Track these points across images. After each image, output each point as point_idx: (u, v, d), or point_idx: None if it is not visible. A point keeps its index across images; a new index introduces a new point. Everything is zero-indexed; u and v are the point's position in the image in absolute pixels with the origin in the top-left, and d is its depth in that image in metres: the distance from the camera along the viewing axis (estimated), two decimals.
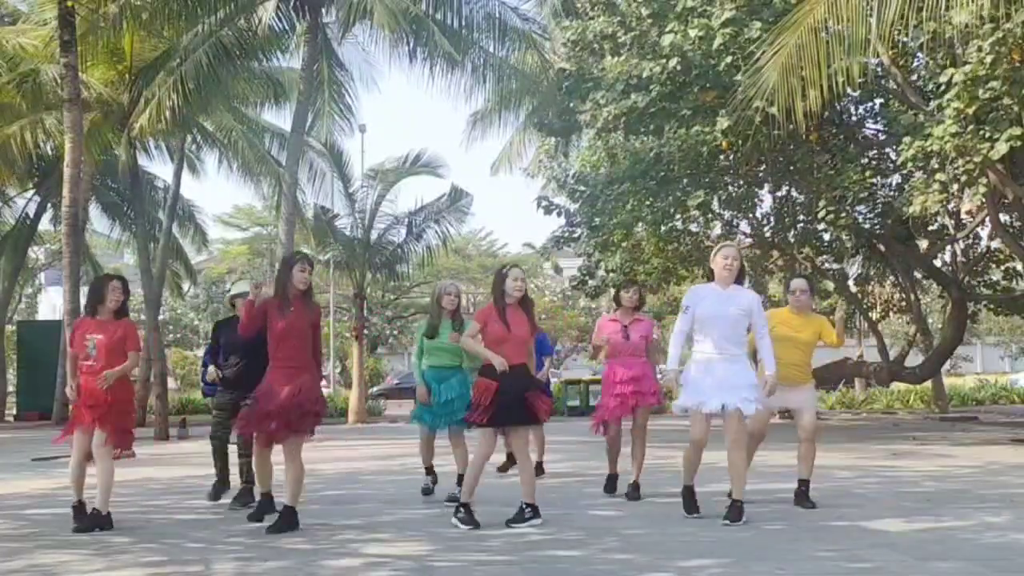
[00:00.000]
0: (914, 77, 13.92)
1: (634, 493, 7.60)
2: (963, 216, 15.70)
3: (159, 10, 16.26)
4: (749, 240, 17.89)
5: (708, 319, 6.44)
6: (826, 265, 17.88)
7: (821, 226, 15.05)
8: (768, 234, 17.18)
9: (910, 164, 11.65)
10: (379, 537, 6.17)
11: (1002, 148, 10.51)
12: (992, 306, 18.03)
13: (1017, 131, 10.46)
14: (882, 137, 15.34)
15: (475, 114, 24.00)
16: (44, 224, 28.11)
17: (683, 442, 6.88)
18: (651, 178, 14.40)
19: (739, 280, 6.65)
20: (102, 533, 6.42)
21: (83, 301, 17.37)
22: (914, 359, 18.83)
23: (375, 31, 17.99)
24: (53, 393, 24.23)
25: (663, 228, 15.63)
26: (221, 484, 7.70)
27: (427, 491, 8.02)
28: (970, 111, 10.69)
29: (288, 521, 6.29)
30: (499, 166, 26.65)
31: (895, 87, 13.31)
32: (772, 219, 17.15)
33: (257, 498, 6.99)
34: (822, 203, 13.84)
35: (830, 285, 18.87)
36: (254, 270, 51.10)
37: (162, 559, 5.58)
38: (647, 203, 14.90)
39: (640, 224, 15.50)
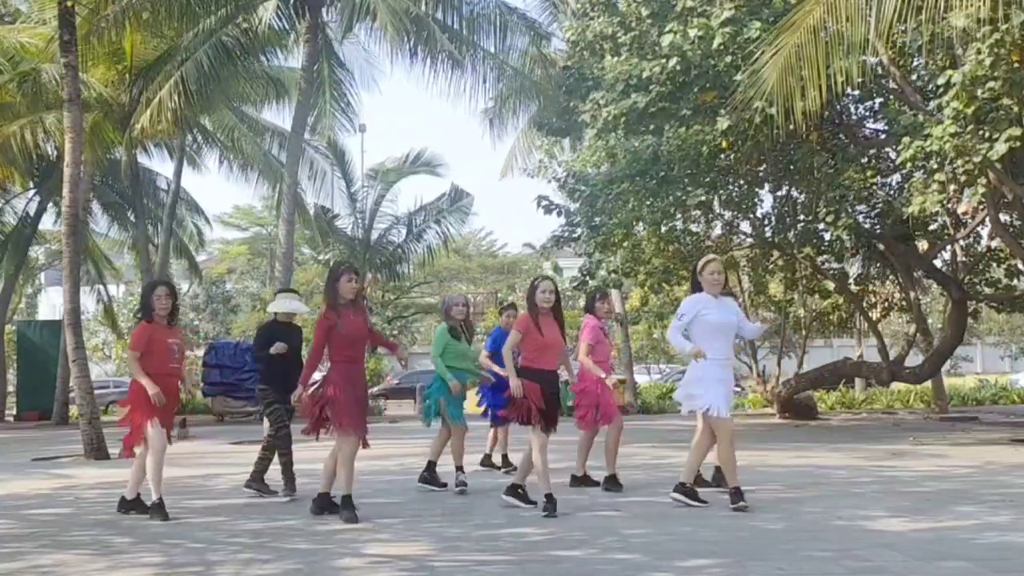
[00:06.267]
0: (913, 77, 13.92)
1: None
2: (962, 216, 15.70)
3: (160, 10, 16.26)
4: (749, 240, 17.89)
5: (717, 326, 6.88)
6: (826, 265, 17.87)
7: (821, 226, 15.05)
8: (768, 234, 17.18)
9: (909, 164, 11.65)
10: (379, 537, 6.17)
11: (1001, 148, 10.50)
12: (994, 304, 18.03)
13: (1016, 131, 10.45)
14: (882, 137, 15.33)
15: (486, 111, 24.02)
16: (45, 224, 28.12)
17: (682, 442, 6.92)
18: (651, 177, 14.39)
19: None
20: (103, 534, 6.43)
21: (83, 301, 17.55)
22: (914, 359, 18.83)
23: (376, 31, 18.01)
24: (53, 393, 24.25)
25: (663, 228, 15.62)
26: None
27: (463, 488, 8.04)
28: (969, 111, 10.69)
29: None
30: (507, 169, 26.66)
31: (895, 87, 13.32)
32: (772, 219, 17.14)
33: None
34: (822, 203, 13.83)
35: (830, 285, 18.87)
36: (254, 270, 51.19)
37: (162, 559, 5.58)
38: (647, 203, 14.89)
39: (640, 224, 15.49)
